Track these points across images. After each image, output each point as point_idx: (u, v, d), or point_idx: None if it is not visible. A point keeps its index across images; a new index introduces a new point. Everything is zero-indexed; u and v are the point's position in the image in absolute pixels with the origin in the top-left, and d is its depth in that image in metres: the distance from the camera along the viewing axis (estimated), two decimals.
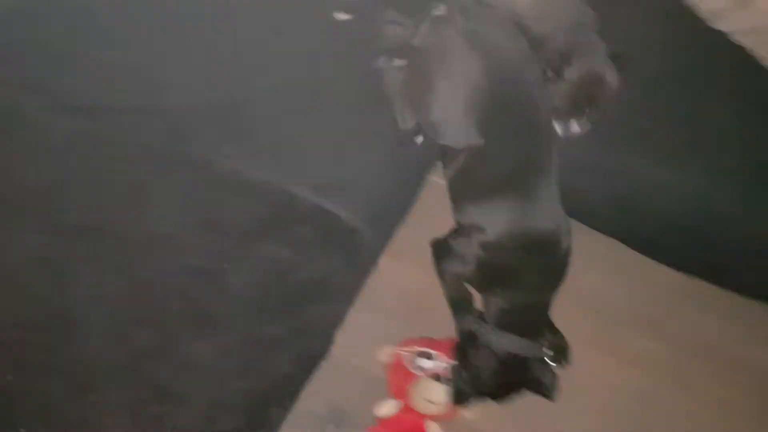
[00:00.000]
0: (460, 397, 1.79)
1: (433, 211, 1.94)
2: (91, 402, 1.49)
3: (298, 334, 1.63)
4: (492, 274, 1.77)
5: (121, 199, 1.70)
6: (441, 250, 1.89)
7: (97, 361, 1.52)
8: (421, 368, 1.92)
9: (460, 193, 1.80)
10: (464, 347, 1.82)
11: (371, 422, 1.92)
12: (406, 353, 1.95)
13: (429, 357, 1.93)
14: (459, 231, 1.82)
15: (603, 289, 2.17)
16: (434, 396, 1.87)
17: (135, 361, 1.53)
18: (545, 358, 1.77)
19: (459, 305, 1.90)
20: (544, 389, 1.76)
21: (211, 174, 1.72)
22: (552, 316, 1.81)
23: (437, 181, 1.92)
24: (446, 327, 1.89)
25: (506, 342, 1.74)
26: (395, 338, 2.01)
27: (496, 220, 1.71)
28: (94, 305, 1.58)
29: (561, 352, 1.83)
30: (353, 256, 1.75)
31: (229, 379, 1.55)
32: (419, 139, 1.87)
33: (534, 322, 1.79)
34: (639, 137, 1.91)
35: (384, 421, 1.91)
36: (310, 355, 1.67)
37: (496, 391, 1.78)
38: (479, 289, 1.84)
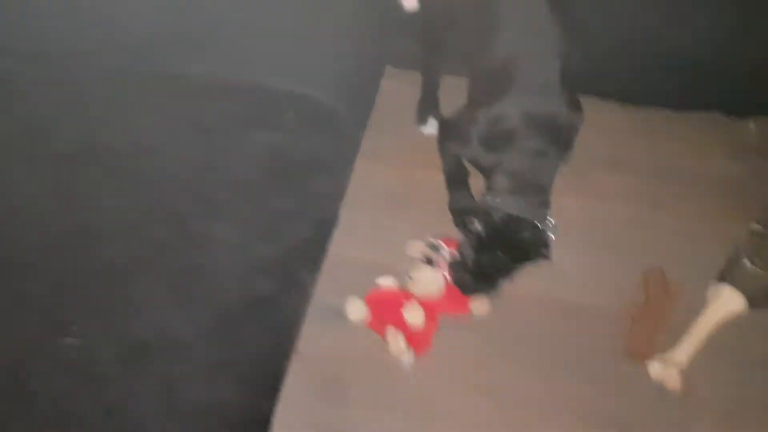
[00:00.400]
0: (463, 284, 1.82)
1: (394, 115, 2.07)
2: (134, 290, 1.58)
3: (308, 203, 1.75)
4: (496, 142, 1.85)
5: (105, 121, 1.79)
6: (446, 128, 1.99)
7: (127, 258, 1.61)
8: (428, 257, 1.95)
9: (470, 68, 1.91)
10: (461, 221, 1.88)
11: None
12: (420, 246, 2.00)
13: (437, 249, 1.95)
14: (465, 108, 1.92)
15: None
16: (424, 278, 1.88)
17: (162, 252, 1.63)
18: (546, 221, 1.81)
19: (455, 179, 2.00)
20: (543, 253, 1.79)
21: (187, 83, 1.82)
22: None
23: None
24: (429, 218, 2.00)
25: (512, 204, 1.77)
26: (385, 233, 2.11)
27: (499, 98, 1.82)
28: (107, 214, 1.66)
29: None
30: (338, 132, 1.87)
31: (255, 249, 1.66)
32: None
33: (540, 186, 1.83)
34: None
35: (376, 292, 1.92)
36: (324, 220, 1.78)
37: (496, 269, 1.80)
38: (486, 159, 1.89)
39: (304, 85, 1.83)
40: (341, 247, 1.94)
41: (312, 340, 1.81)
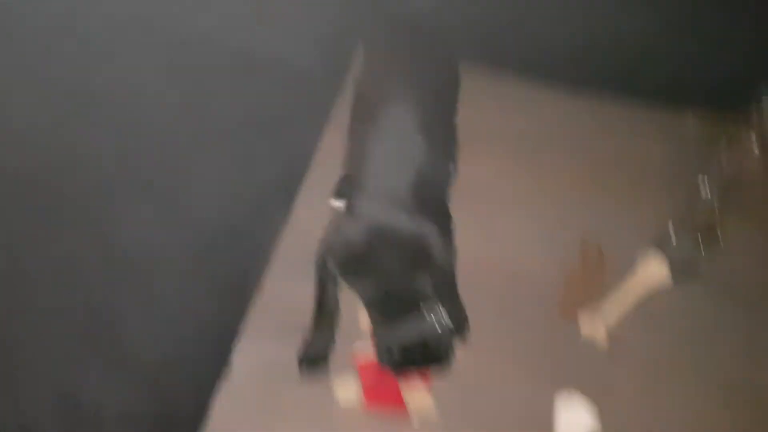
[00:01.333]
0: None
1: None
2: (121, 208, 1.80)
3: (280, 149, 1.96)
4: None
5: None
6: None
7: (117, 181, 1.84)
8: None
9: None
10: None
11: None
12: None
13: None
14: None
15: (510, 123, 2.41)
16: None
17: (150, 178, 1.86)
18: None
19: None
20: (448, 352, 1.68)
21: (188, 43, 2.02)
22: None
23: None
24: None
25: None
26: None
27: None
28: (102, 143, 1.89)
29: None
30: (310, 94, 2.06)
31: (237, 181, 1.88)
32: None
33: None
34: None
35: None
36: (294, 164, 1.93)
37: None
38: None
39: (285, 50, 2.04)
40: (307, 206, 1.98)
41: (273, 291, 1.85)
